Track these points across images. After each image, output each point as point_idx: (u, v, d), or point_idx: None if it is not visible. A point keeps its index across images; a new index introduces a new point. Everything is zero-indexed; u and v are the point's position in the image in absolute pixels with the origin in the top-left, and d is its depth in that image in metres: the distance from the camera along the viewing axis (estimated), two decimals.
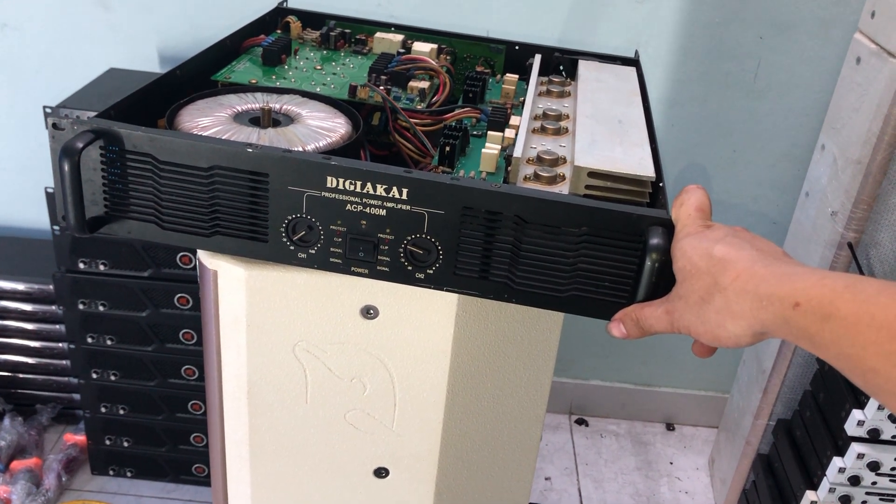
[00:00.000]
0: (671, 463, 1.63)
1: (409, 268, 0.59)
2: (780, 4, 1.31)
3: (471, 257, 0.58)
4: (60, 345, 1.43)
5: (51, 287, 1.36)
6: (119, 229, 0.61)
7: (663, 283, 0.54)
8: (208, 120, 0.66)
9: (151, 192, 0.59)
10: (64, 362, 1.45)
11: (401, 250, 0.58)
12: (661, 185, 0.61)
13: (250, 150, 0.57)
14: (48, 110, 1.16)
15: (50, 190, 1.23)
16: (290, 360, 0.67)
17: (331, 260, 0.60)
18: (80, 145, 0.56)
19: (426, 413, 0.70)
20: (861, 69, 1.12)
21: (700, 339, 0.51)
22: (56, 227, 1.23)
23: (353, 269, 0.60)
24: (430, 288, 0.60)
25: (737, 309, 0.47)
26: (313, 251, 0.59)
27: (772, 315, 0.45)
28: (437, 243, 0.58)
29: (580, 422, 1.71)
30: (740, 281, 0.47)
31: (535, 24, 1.33)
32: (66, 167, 0.56)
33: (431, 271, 0.59)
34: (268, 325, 0.66)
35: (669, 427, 1.72)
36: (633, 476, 1.59)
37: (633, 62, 0.90)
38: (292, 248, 0.60)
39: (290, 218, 0.58)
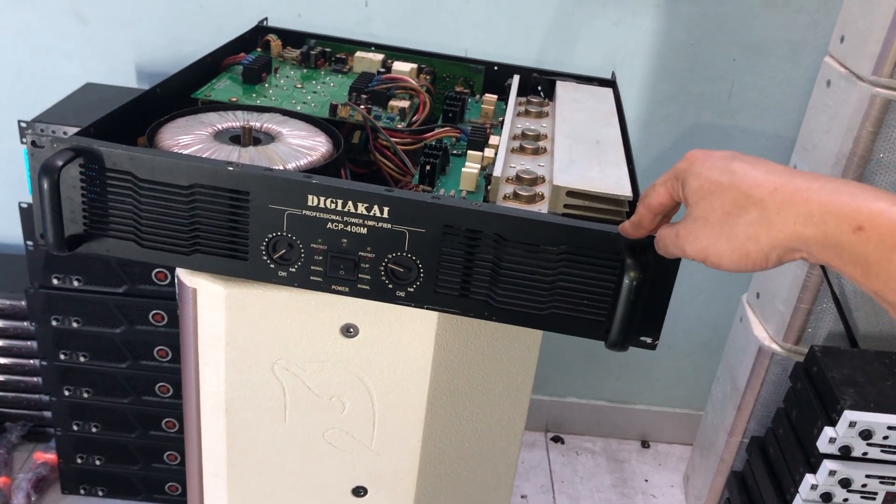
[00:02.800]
0: (646, 480, 1.64)
1: (390, 286, 0.59)
2: (752, 27, 1.33)
3: (451, 275, 0.58)
4: (32, 361, 1.40)
5: (23, 303, 1.34)
6: (98, 247, 0.61)
7: (642, 301, 0.55)
8: (189, 138, 0.66)
9: (131, 210, 0.59)
10: (35, 379, 1.42)
11: (381, 268, 0.59)
12: None
13: (231, 169, 0.57)
14: (23, 124, 1.15)
15: (24, 204, 1.22)
16: (269, 379, 0.67)
17: (311, 278, 0.60)
18: (60, 163, 0.55)
19: (405, 431, 0.70)
20: (831, 92, 1.15)
21: (716, 263, 0.48)
22: (30, 243, 1.22)
23: (333, 287, 0.60)
24: (410, 306, 0.60)
25: (776, 220, 0.44)
26: (294, 269, 0.59)
27: (820, 233, 0.43)
28: (418, 261, 0.58)
29: (556, 439, 1.71)
30: (782, 193, 0.44)
31: (514, 44, 1.35)
32: (46, 185, 0.56)
33: (412, 289, 0.59)
34: (247, 343, 0.65)
35: (644, 444, 1.73)
36: (608, 493, 1.59)
37: (610, 83, 0.91)
38: (273, 266, 0.60)
39: (270, 236, 0.58)
